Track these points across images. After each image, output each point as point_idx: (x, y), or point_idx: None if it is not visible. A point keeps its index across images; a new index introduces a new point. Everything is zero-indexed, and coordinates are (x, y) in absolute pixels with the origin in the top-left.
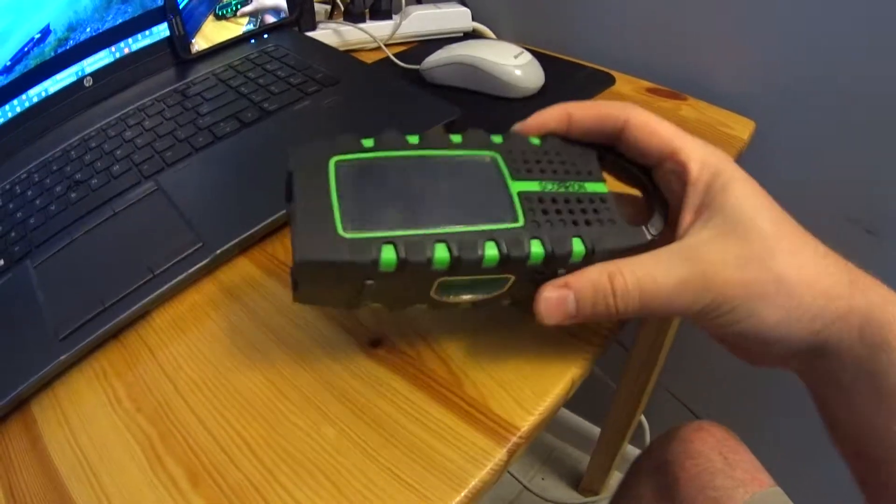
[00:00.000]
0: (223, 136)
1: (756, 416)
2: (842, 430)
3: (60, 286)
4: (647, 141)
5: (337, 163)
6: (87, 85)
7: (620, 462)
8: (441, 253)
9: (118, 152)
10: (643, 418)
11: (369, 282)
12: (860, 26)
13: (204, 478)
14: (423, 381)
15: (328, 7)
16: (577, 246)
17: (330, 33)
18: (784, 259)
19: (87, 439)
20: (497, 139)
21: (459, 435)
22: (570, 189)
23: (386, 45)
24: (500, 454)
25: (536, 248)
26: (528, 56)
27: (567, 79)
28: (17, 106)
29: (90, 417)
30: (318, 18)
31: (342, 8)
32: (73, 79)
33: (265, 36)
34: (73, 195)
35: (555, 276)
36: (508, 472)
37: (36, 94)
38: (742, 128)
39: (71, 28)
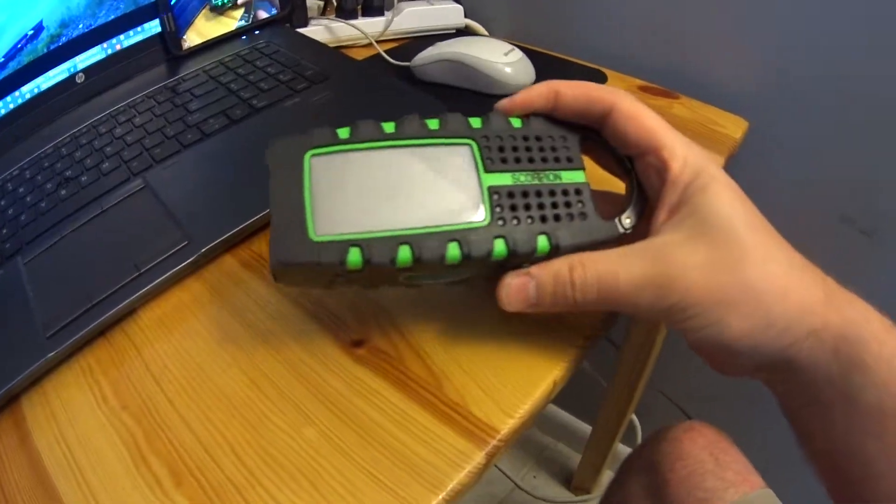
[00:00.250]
0: (211, 132)
1: (747, 417)
2: (814, 446)
3: (49, 283)
4: (630, 131)
5: (312, 157)
6: (78, 81)
7: (612, 461)
8: (404, 254)
9: (108, 149)
10: (634, 417)
11: (340, 276)
12: (855, 26)
13: (187, 477)
14: (404, 382)
15: (321, 3)
16: (542, 243)
17: (322, 30)
18: (755, 268)
19: (74, 437)
20: (476, 123)
21: (438, 437)
22: (545, 180)
23: (378, 42)
24: (478, 457)
25: (499, 247)
26: (518, 53)
27: (558, 76)
28: (9, 103)
29: (77, 415)
30: (310, 14)
31: (335, 4)
32: (66, 75)
33: (256, 32)
34: (63, 192)
35: (521, 266)
36: (500, 469)
37: (28, 90)
38: (734, 127)
39: (63, 24)
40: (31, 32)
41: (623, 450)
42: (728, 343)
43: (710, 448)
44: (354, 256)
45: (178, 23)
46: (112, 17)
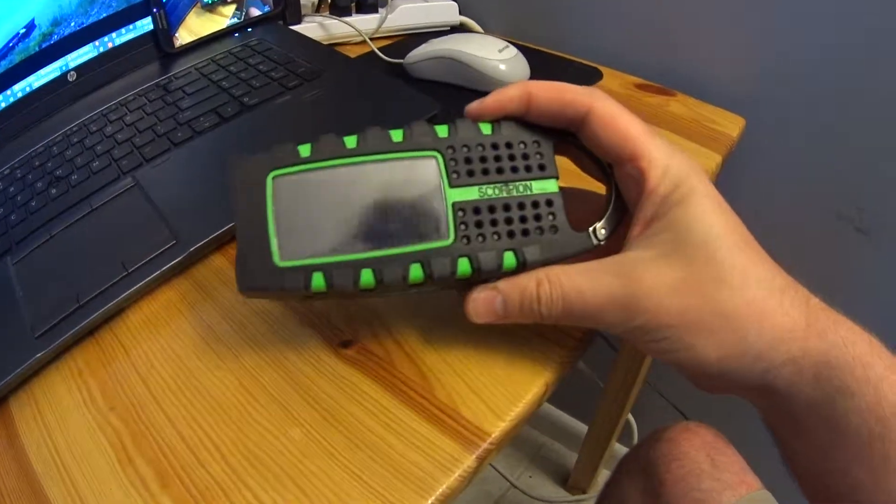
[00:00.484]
0: (202, 131)
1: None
2: (800, 467)
3: (38, 283)
4: (607, 137)
5: (274, 178)
6: (70, 79)
7: (608, 460)
8: (367, 278)
9: (99, 148)
10: (631, 417)
11: (307, 298)
12: (852, 24)
13: (173, 479)
14: (394, 383)
15: (315, 0)
16: (509, 260)
17: (315, 27)
18: (731, 291)
19: (62, 438)
20: (442, 132)
21: (428, 440)
22: (513, 192)
23: (372, 39)
24: (469, 461)
25: (463, 266)
26: (513, 50)
27: (553, 73)
28: (1, 102)
29: (65, 416)
30: (304, 12)
31: (329, 1)
32: (58, 73)
33: (249, 29)
34: (53, 191)
35: (489, 281)
36: (496, 469)
37: (20, 89)
38: (732, 125)
39: (55, 23)
40: (23, 31)
41: (620, 449)
42: (702, 369)
43: (707, 449)
44: (318, 281)
45: (170, 20)
46: (104, 14)
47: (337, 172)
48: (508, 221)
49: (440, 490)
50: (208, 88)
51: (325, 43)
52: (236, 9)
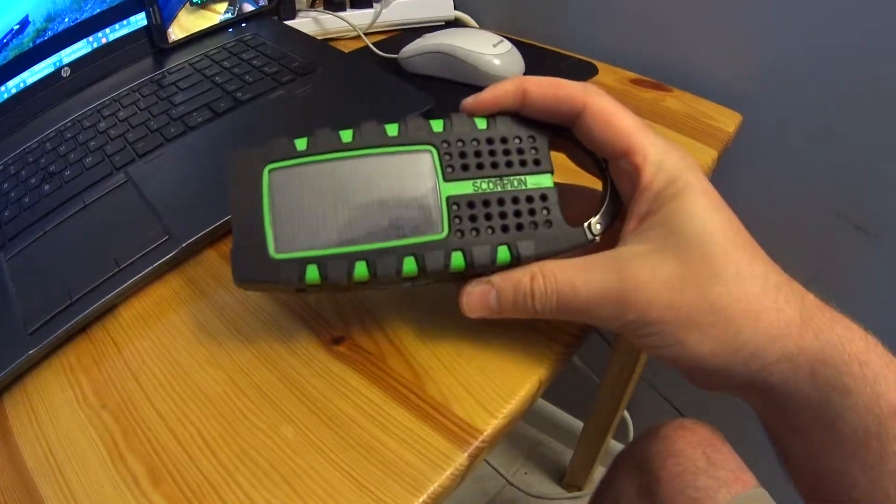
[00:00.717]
0: (195, 126)
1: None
2: (796, 466)
3: (31, 279)
4: (602, 133)
5: (270, 172)
6: (64, 75)
7: (604, 457)
8: (361, 270)
9: (92, 143)
10: (626, 414)
11: (301, 290)
12: (850, 20)
13: (164, 476)
14: (385, 380)
15: None
16: (503, 254)
17: (310, 21)
18: (725, 287)
19: (54, 435)
20: (437, 126)
21: (420, 438)
22: (508, 187)
23: (366, 34)
24: (461, 458)
25: (457, 260)
26: (507, 45)
27: (548, 68)
28: None
29: (58, 413)
30: (298, 6)
31: None
32: (52, 69)
33: (243, 24)
34: (46, 187)
35: (483, 275)
36: (491, 466)
37: (14, 85)
38: (728, 120)
39: (49, 18)
40: (17, 27)
41: (615, 446)
42: (696, 365)
43: (703, 446)
44: (312, 274)
45: (163, 15)
46: (98, 10)
47: (332, 166)
48: (503, 216)
49: (432, 488)
50: (201, 84)
51: (319, 38)
52: (229, 4)
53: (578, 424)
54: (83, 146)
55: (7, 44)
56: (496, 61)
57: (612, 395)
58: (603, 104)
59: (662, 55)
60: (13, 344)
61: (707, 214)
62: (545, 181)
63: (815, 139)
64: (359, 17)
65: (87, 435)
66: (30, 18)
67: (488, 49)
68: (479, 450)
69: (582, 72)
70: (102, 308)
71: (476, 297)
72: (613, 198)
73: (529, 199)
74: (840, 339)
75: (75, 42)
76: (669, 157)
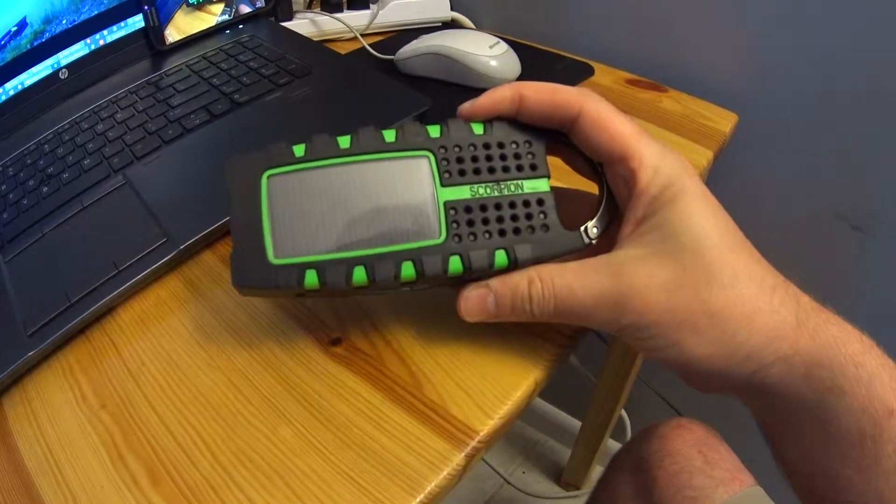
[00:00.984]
0: (192, 128)
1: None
2: (791, 466)
3: (30, 281)
4: (598, 138)
5: (269, 178)
6: (62, 77)
7: (602, 456)
8: (359, 275)
9: (90, 146)
10: (624, 413)
11: (300, 295)
12: (847, 21)
13: (164, 477)
14: (383, 381)
15: None
16: (500, 258)
17: (307, 23)
18: (720, 290)
19: (54, 436)
20: (434, 132)
21: (417, 438)
22: (505, 191)
23: (363, 35)
24: (458, 459)
25: (455, 264)
26: (504, 46)
27: (544, 69)
28: None
29: (57, 414)
30: (295, 8)
31: None
32: (49, 71)
33: (240, 26)
34: (44, 189)
35: (480, 279)
36: (489, 465)
37: (12, 87)
38: (724, 120)
39: (47, 20)
40: (15, 29)
41: (613, 445)
42: (692, 367)
43: (700, 445)
44: (311, 279)
45: (160, 17)
46: (95, 12)
47: (330, 172)
48: (500, 220)
49: (429, 488)
50: (199, 86)
51: (316, 39)
52: (225, 6)
53: (576, 424)
54: (81, 148)
55: (5, 46)
56: (493, 62)
57: (610, 394)
58: (599, 109)
59: (659, 56)
60: (12, 346)
61: (703, 218)
62: (542, 186)
63: (811, 139)
64: (355, 19)
65: (87, 435)
66: (28, 20)
67: (485, 50)
68: (476, 450)
69: (578, 72)
70: (101, 310)
71: (474, 301)
72: (610, 202)
73: (526, 204)
74: (835, 340)
75: (73, 44)
76: (665, 161)
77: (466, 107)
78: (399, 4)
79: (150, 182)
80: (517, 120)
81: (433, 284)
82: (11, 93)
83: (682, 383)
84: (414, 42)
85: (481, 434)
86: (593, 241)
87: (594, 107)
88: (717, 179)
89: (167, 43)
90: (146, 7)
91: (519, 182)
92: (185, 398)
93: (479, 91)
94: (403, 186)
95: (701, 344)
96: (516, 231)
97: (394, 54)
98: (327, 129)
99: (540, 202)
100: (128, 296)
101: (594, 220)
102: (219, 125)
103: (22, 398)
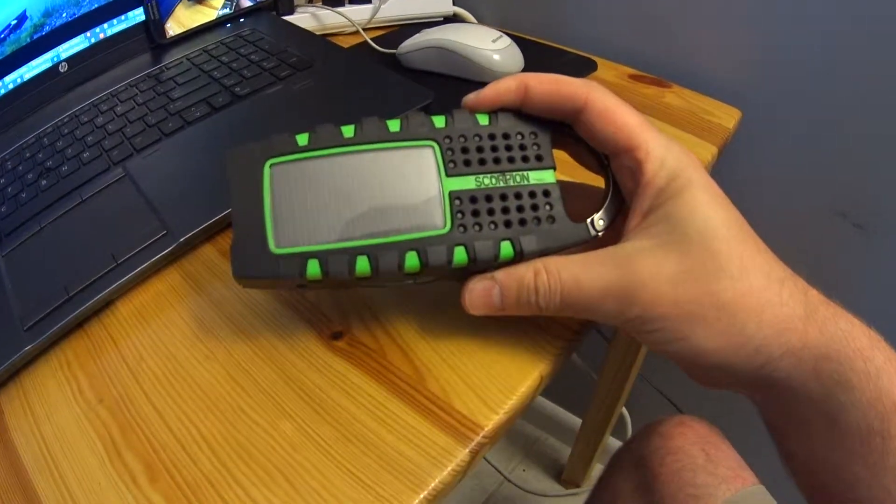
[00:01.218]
0: (193, 121)
1: (739, 412)
2: (797, 462)
3: (28, 275)
4: (604, 129)
5: (272, 166)
6: (62, 71)
7: (602, 454)
8: (362, 265)
9: (89, 138)
10: (625, 411)
11: (302, 286)
12: (850, 18)
13: (162, 473)
14: (385, 376)
15: None
16: (506, 249)
17: (308, 17)
18: (729, 282)
19: (50, 430)
20: (439, 122)
21: (420, 433)
22: (510, 182)
23: (365, 30)
24: (462, 454)
25: (460, 255)
26: (507, 40)
27: (547, 64)
28: None
29: (54, 409)
30: (296, 2)
31: None
32: (49, 65)
33: (241, 20)
34: (43, 182)
35: (485, 271)
36: (489, 462)
37: (11, 80)
38: (727, 116)
39: (47, 14)
40: (15, 22)
41: (614, 443)
42: (700, 360)
43: (702, 443)
44: (313, 269)
45: (161, 11)
46: (95, 5)
47: (334, 161)
48: (505, 211)
49: (433, 484)
50: (199, 78)
51: (317, 33)
52: (226, 0)
53: (576, 421)
54: (80, 141)
55: (4, 39)
56: (495, 56)
57: (610, 391)
58: (605, 101)
59: (662, 51)
60: (9, 340)
61: (710, 210)
62: (547, 177)
63: (814, 136)
64: (357, 13)
65: (84, 431)
66: (27, 13)
67: (487, 44)
68: (481, 445)
69: (581, 67)
70: (99, 304)
71: (479, 294)
72: (615, 194)
73: (532, 195)
74: (844, 334)
75: (73, 37)
76: (671, 153)
77: (471, 98)
78: None
79: (150, 175)
80: (522, 111)
81: (437, 277)
82: (11, 86)
83: (684, 381)
84: (416, 36)
85: (486, 429)
86: (600, 234)
87: (600, 98)
88: (717, 174)
89: (168, 36)
90: (147, 0)
91: (524, 173)
92: (184, 393)
93: (481, 85)
94: (408, 176)
95: (709, 337)
96: (522, 222)
97: (395, 48)
98: (329, 122)
99: (546, 193)
100: (126, 289)
101: (600, 213)
102: (219, 118)
103: (19, 393)
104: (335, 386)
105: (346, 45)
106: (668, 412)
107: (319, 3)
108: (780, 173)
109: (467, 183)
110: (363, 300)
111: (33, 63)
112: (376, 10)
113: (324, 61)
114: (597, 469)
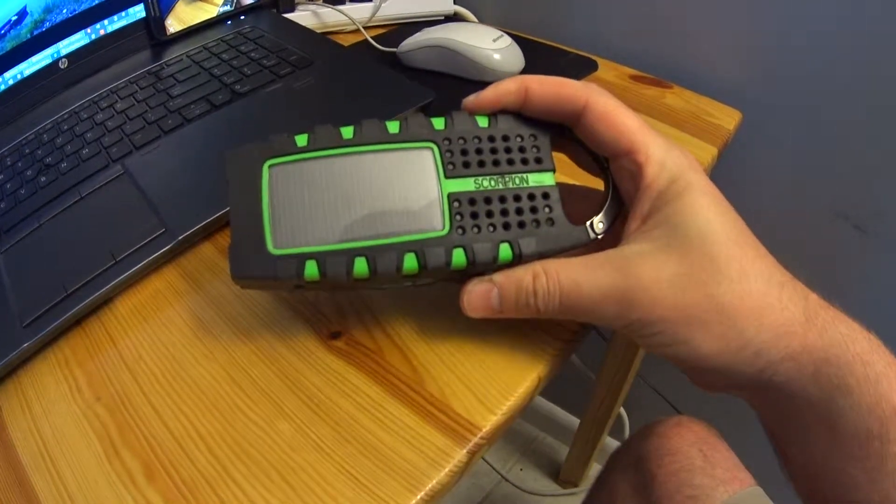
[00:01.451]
0: (192, 118)
1: (737, 413)
2: (796, 467)
3: (26, 272)
4: (604, 132)
5: (270, 167)
6: (62, 67)
7: (600, 454)
8: (360, 267)
9: (89, 135)
10: (622, 411)
11: (299, 287)
12: (851, 20)
13: (159, 471)
14: (384, 376)
15: None
16: (504, 252)
17: (309, 15)
18: (729, 285)
19: (48, 429)
20: (439, 124)
21: (418, 434)
22: (510, 184)
23: (365, 28)
24: (459, 455)
25: (458, 257)
26: (507, 40)
27: (548, 64)
28: None
29: (52, 406)
30: (297, 0)
31: None
32: (49, 61)
33: (242, 17)
34: (42, 179)
35: (484, 273)
36: (487, 462)
37: (11, 76)
38: (728, 118)
39: (47, 10)
40: (15, 18)
41: (611, 443)
42: (699, 364)
43: (699, 444)
44: (311, 270)
45: (161, 7)
46: (96, 1)
47: (333, 162)
48: (504, 213)
49: (430, 485)
50: (199, 76)
51: (318, 31)
52: None
53: (574, 421)
54: (80, 138)
55: (5, 35)
56: (496, 56)
57: (609, 392)
58: (605, 103)
59: (663, 52)
60: (7, 337)
61: (710, 213)
62: (547, 179)
63: (814, 138)
64: (358, 11)
65: (82, 429)
66: (28, 9)
67: (488, 44)
68: (479, 446)
69: (582, 68)
70: (98, 301)
71: (477, 296)
72: (615, 197)
73: (531, 197)
74: (844, 338)
75: (73, 33)
76: (672, 156)
77: (471, 100)
78: None
79: (149, 172)
80: (522, 114)
81: (436, 279)
82: (10, 82)
83: (682, 382)
84: (417, 35)
85: (483, 430)
86: (599, 236)
87: (600, 101)
88: (718, 175)
89: (168, 33)
90: None
91: (524, 175)
92: (182, 391)
93: (481, 84)
94: (407, 178)
95: (709, 340)
96: (521, 224)
97: (396, 47)
98: (329, 120)
99: (545, 196)
100: (125, 287)
101: (600, 215)
102: (219, 115)
103: (16, 390)
104: (333, 386)
105: (346, 44)
106: (666, 413)
107: (320, 1)
108: (780, 175)
109: (466, 185)
110: (362, 300)
111: (33, 59)
112: (377, 9)
113: (324, 60)
114: (594, 469)
